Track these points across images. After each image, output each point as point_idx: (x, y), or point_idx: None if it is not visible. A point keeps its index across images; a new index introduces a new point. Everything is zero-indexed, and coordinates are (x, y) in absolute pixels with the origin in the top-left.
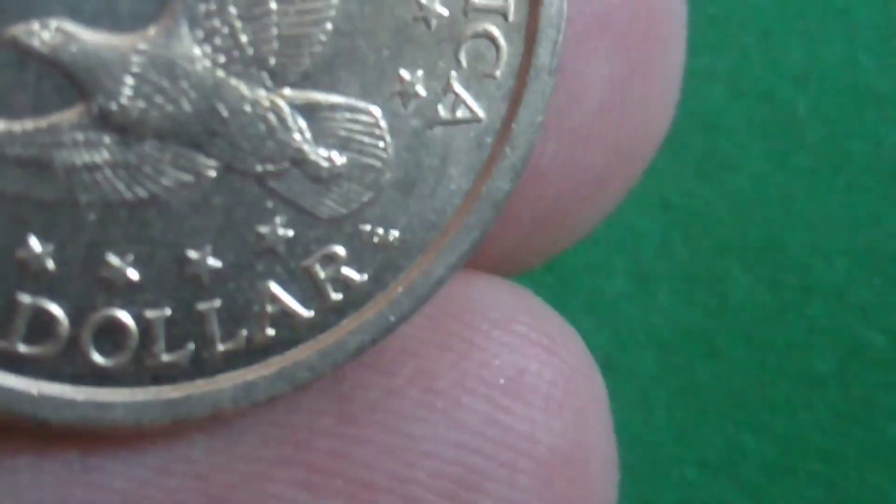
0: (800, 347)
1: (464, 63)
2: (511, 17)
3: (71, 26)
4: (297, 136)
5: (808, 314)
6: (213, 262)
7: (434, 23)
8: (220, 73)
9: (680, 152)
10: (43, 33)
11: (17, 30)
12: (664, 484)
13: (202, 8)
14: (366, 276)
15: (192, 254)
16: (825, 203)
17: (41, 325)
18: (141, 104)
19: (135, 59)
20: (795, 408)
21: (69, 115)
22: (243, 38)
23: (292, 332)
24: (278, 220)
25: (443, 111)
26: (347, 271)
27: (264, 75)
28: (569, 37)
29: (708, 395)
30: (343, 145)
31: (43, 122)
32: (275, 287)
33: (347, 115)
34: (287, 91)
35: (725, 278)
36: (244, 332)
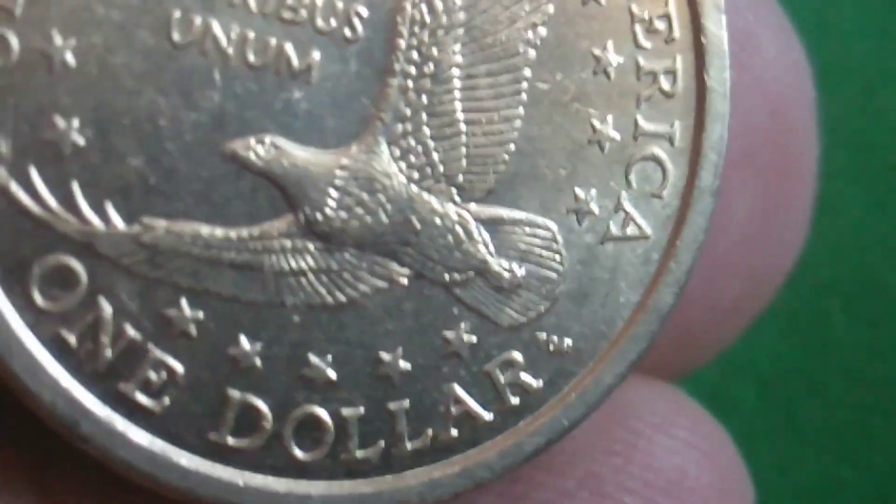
0: None
1: (633, 183)
2: (677, 142)
3: (283, 142)
4: (481, 248)
5: None
6: (403, 364)
7: (607, 146)
8: (414, 189)
9: None
10: (258, 148)
11: (236, 144)
12: None
13: (399, 128)
14: (541, 382)
15: (385, 356)
16: None
17: (248, 419)
18: (343, 215)
19: (339, 173)
20: (892, 442)
21: (279, 224)
22: (435, 157)
23: (474, 432)
24: (463, 325)
25: (614, 228)
26: (525, 376)
27: (453, 191)
28: None
29: (808, 430)
30: (523, 257)
31: (256, 230)
32: (458, 389)
33: (527, 229)
34: (473, 206)
35: (826, 318)
36: (430, 432)
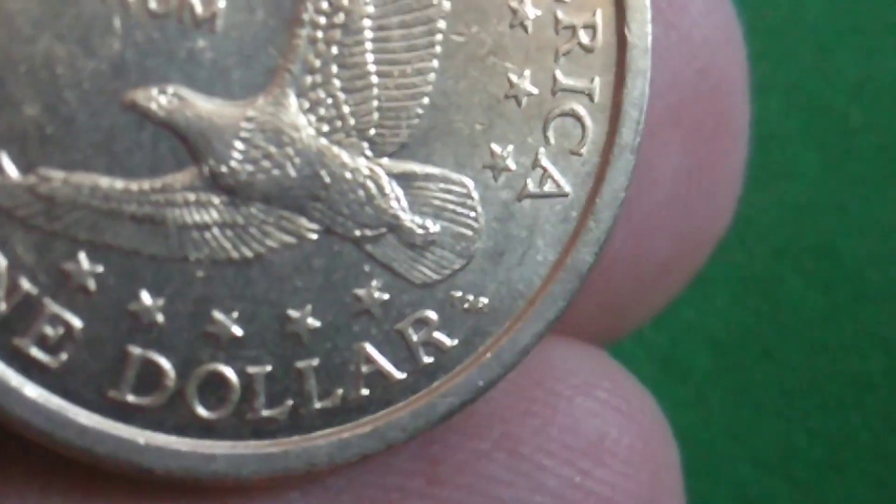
0: (852, 350)
1: (552, 139)
2: (597, 98)
3: (187, 92)
4: (393, 204)
5: (861, 318)
6: (313, 322)
7: (524, 101)
8: (324, 142)
9: None
10: (160, 98)
11: (137, 94)
12: (718, 481)
13: (308, 80)
14: (456, 341)
15: (293, 313)
16: (878, 210)
17: (149, 377)
18: (249, 168)
19: (244, 125)
20: (847, 408)
21: (182, 177)
22: (346, 109)
23: (385, 392)
24: (374, 283)
25: (531, 185)
26: (439, 335)
27: (364, 145)
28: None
29: (762, 396)
30: (437, 214)
31: (157, 182)
32: (370, 348)
33: (442, 185)
34: (385, 161)
35: (780, 283)
36: (340, 391)
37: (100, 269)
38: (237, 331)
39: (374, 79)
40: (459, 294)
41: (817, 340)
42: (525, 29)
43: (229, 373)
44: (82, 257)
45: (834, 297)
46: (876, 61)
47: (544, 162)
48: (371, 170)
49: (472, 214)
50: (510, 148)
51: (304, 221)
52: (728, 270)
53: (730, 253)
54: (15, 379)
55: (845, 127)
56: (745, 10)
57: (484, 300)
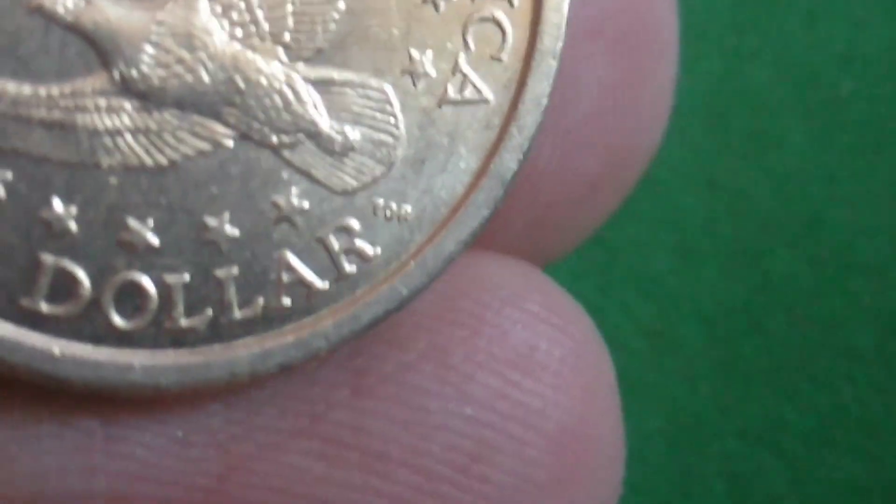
0: (840, 322)
1: (471, 45)
2: (516, 3)
3: None
4: (310, 109)
5: (849, 290)
6: (231, 230)
7: (442, 5)
8: (237, 47)
9: (725, 132)
10: (67, 1)
11: None
12: (706, 454)
13: None
14: (379, 250)
15: (210, 221)
16: (867, 182)
17: (63, 286)
18: (160, 72)
19: (154, 28)
20: (835, 381)
21: (92, 81)
22: (259, 14)
23: (307, 301)
24: (293, 190)
25: (451, 91)
26: (361, 244)
27: (280, 50)
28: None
29: (750, 368)
30: (355, 120)
31: (67, 87)
32: (290, 256)
33: (360, 91)
34: (301, 66)
35: (768, 255)
36: (261, 300)
37: (9, 175)
38: (153, 239)
39: None
40: (381, 202)
41: (806, 313)
42: None
43: (146, 281)
44: None
45: (823, 269)
46: (865, 31)
47: (464, 68)
48: (287, 75)
49: (392, 121)
50: (429, 53)
51: (219, 127)
52: (716, 242)
53: (718, 225)
54: None
55: (834, 97)
56: None
57: (406, 208)
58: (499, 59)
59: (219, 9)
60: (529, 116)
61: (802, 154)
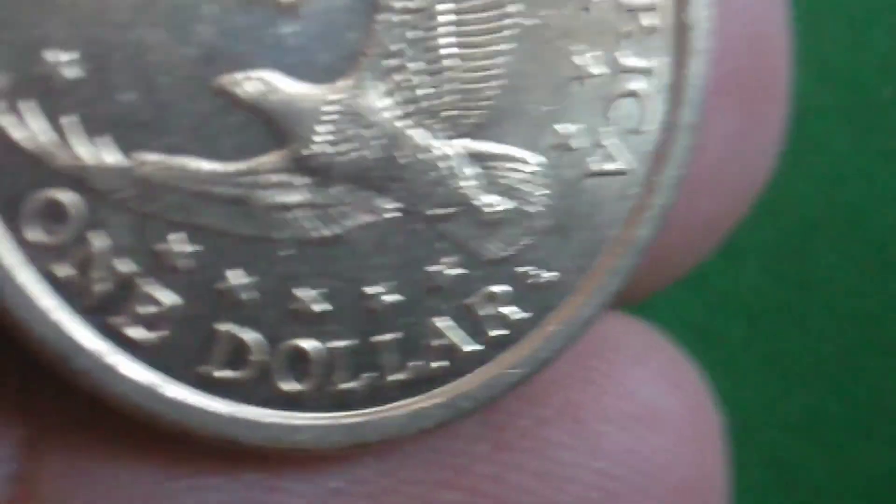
0: (880, 319)
1: (613, 119)
2: (658, 78)
3: (272, 77)
4: (464, 183)
5: (890, 287)
6: (389, 298)
7: (587, 82)
8: (400, 124)
9: None
10: (247, 83)
11: (225, 80)
12: (750, 445)
13: (386, 63)
14: (523, 315)
15: (371, 289)
16: None
17: (236, 353)
18: (330, 150)
19: (326, 108)
20: (876, 375)
21: (268, 159)
22: (421, 92)
23: (456, 365)
24: (446, 260)
25: (593, 164)
26: (506, 309)
27: (438, 127)
28: None
29: (793, 362)
30: (506, 192)
31: (245, 165)
32: (441, 323)
33: (510, 164)
34: (458, 141)
35: (811, 253)
36: (414, 365)
37: (190, 249)
38: (319, 307)
39: (449, 62)
40: (526, 269)
41: (847, 309)
42: (589, 11)
43: (312, 348)
44: (174, 238)
45: (863, 267)
46: None
47: (605, 141)
48: (445, 150)
49: (539, 193)
50: (574, 128)
51: (382, 201)
52: (760, 241)
53: (761, 224)
54: (111, 356)
55: (876, 101)
56: None
57: (549, 275)
58: (639, 132)
59: (384, 87)
60: (667, 187)
61: (844, 156)
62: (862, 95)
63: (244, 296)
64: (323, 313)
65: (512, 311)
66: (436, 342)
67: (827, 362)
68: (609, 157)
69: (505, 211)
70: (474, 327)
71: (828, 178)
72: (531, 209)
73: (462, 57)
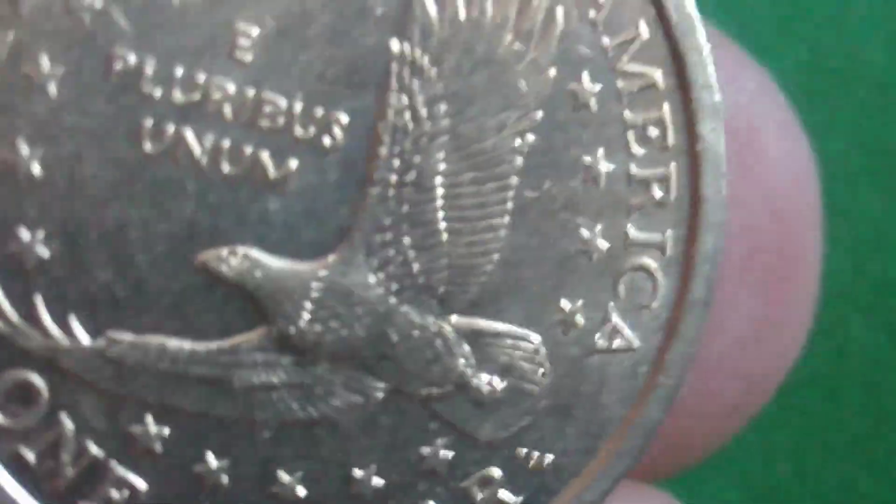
0: None
1: (622, 294)
2: (668, 252)
3: (257, 253)
4: (461, 362)
5: None
6: (377, 482)
7: (595, 256)
8: (393, 300)
9: None
10: (231, 260)
11: (208, 255)
12: None
13: (378, 238)
14: (520, 499)
15: (358, 473)
16: None
17: None
18: (318, 328)
19: (314, 285)
20: None
21: (250, 337)
22: (415, 267)
23: None
24: (440, 441)
25: (600, 340)
26: (503, 494)
27: (433, 303)
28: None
29: (827, 438)
30: (504, 371)
31: (226, 344)
32: None
33: (510, 342)
34: (454, 318)
35: (844, 324)
36: None
37: (166, 431)
38: (301, 492)
39: (445, 236)
40: (525, 451)
41: (882, 383)
42: (598, 184)
43: None
44: (149, 420)
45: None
46: None
47: (614, 317)
48: (439, 328)
49: (540, 371)
50: (580, 303)
51: (371, 380)
52: None
53: None
54: None
55: None
56: (807, 52)
57: (550, 457)
58: (648, 308)
59: (376, 263)
60: (677, 365)
61: (876, 223)
62: (892, 161)
63: (222, 479)
64: (305, 498)
65: (509, 496)
66: None
67: (861, 436)
68: (617, 334)
69: (503, 391)
70: None
71: (860, 247)
72: (531, 388)
73: (458, 231)
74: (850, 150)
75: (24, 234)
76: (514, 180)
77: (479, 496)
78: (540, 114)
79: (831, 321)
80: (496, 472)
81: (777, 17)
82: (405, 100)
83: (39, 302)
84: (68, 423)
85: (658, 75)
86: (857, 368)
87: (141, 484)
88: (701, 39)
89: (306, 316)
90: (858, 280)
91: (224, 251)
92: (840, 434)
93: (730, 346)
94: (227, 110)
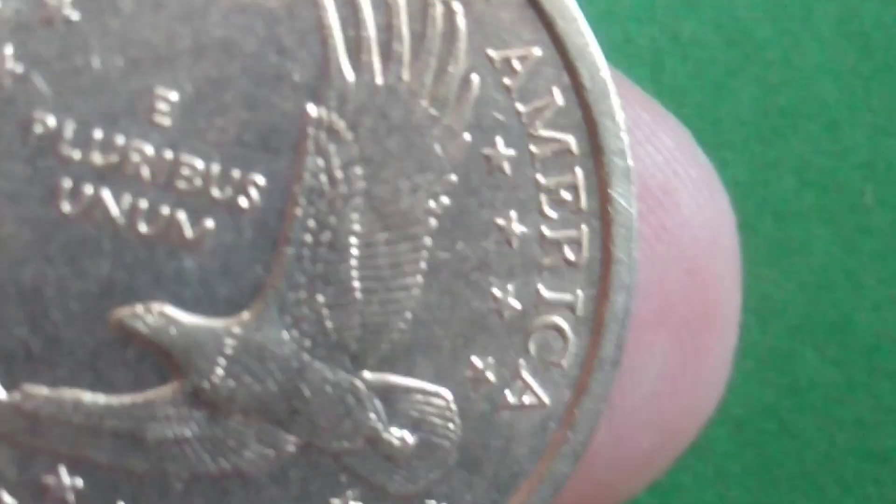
0: (868, 425)
1: (532, 352)
2: (579, 312)
3: (171, 310)
4: (372, 417)
5: (876, 393)
6: None
7: (507, 314)
8: (305, 357)
9: (752, 238)
10: (146, 316)
11: (123, 312)
12: None
13: (292, 296)
14: None
15: None
16: (891, 286)
17: None
18: (231, 383)
19: (228, 341)
20: (865, 484)
21: (164, 391)
22: (329, 325)
23: None
24: (350, 493)
25: (510, 397)
26: None
27: (346, 359)
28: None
29: (780, 471)
30: (415, 426)
31: (140, 398)
32: None
33: (421, 397)
34: (366, 374)
35: (797, 358)
36: None
37: (79, 483)
38: None
39: (359, 295)
40: None
41: (835, 416)
42: (510, 245)
43: None
44: (63, 472)
45: (850, 373)
46: (888, 139)
47: (524, 374)
48: (352, 384)
49: (451, 426)
50: (491, 360)
51: (283, 434)
52: (745, 346)
53: (746, 329)
54: None
55: (858, 204)
56: (760, 90)
57: None
58: (559, 366)
59: (290, 320)
60: (585, 422)
61: (828, 259)
62: (844, 198)
63: None
64: None
65: None
66: None
67: (815, 470)
68: (527, 391)
69: (413, 445)
70: None
71: (812, 282)
72: (442, 443)
73: (371, 290)
74: (802, 188)
75: None
76: (428, 241)
77: None
78: (454, 177)
79: (784, 356)
80: None
81: (729, 56)
82: (321, 163)
83: None
84: None
85: (571, 141)
86: (810, 403)
87: None
88: (614, 105)
89: (220, 371)
90: (811, 316)
91: (139, 308)
92: (793, 468)
93: (645, 398)
94: (146, 172)
